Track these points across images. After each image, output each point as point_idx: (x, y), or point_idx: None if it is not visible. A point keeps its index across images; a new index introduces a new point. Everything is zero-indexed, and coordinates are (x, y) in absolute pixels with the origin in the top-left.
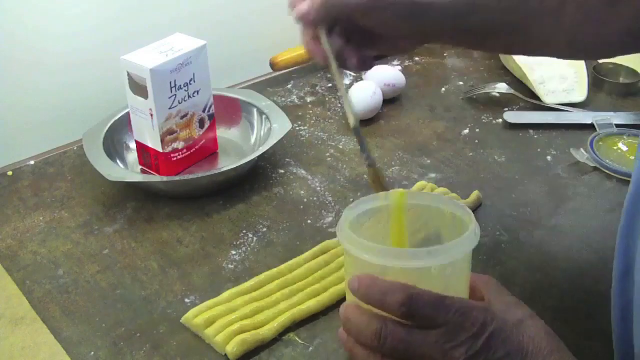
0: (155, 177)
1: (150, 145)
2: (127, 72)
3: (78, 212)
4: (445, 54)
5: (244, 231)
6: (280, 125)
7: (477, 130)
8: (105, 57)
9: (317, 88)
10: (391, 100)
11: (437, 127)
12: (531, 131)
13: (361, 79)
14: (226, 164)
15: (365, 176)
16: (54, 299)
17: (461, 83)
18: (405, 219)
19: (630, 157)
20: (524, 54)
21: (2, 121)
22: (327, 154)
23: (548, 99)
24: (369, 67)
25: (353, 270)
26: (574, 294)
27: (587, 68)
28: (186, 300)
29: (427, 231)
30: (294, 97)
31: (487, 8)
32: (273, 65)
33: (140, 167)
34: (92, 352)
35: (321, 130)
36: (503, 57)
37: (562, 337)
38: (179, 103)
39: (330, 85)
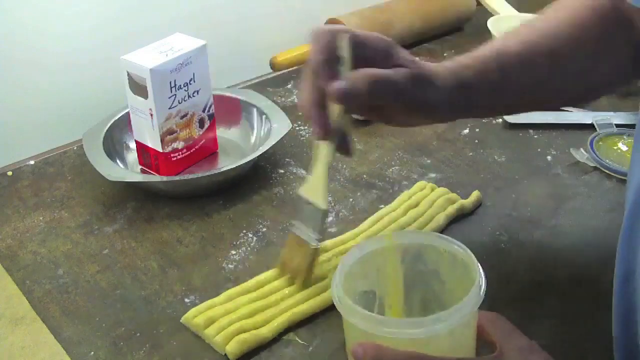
0: (155, 177)
1: (150, 145)
2: (127, 72)
3: (78, 212)
4: (445, 54)
5: (244, 231)
6: (280, 125)
7: (477, 130)
8: (105, 57)
9: None
10: None
11: (437, 127)
12: (531, 131)
13: None
14: (226, 164)
15: (365, 176)
16: (54, 299)
17: None
18: (398, 260)
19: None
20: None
21: (2, 121)
22: None
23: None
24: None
25: (353, 335)
26: (574, 294)
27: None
28: (186, 300)
29: (424, 268)
30: (294, 97)
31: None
32: (273, 65)
33: (140, 167)
34: (92, 352)
35: None
36: None
37: (562, 338)
38: (179, 103)
39: None
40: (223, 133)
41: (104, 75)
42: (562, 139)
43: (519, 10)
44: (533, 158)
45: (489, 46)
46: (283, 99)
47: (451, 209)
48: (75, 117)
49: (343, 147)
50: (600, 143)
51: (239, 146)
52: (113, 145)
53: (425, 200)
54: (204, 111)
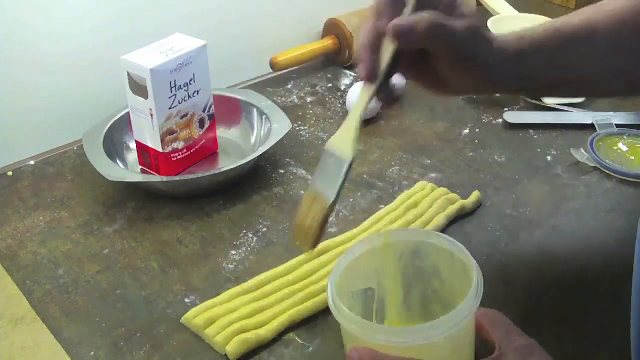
0: (155, 177)
1: (150, 145)
2: (127, 72)
3: (78, 212)
4: None
5: (244, 231)
6: (280, 125)
7: (477, 130)
8: (105, 57)
9: (317, 88)
10: None
11: (437, 127)
12: (531, 131)
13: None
14: (226, 164)
15: (365, 176)
16: (54, 299)
17: None
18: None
19: (630, 157)
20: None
21: (2, 121)
22: None
23: (548, 98)
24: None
25: (349, 339)
26: (574, 294)
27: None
28: (186, 300)
29: (423, 265)
30: (294, 97)
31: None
32: (273, 65)
33: (140, 167)
34: (92, 352)
35: (321, 130)
36: None
37: (562, 338)
38: (179, 103)
39: (330, 85)
40: (223, 133)
41: (104, 75)
42: (562, 139)
43: (519, 10)
44: (533, 158)
45: (549, 22)
46: (283, 99)
47: (451, 209)
48: (75, 117)
49: (386, 95)
50: (600, 143)
51: (239, 146)
52: (113, 145)
53: (425, 200)
54: (204, 111)
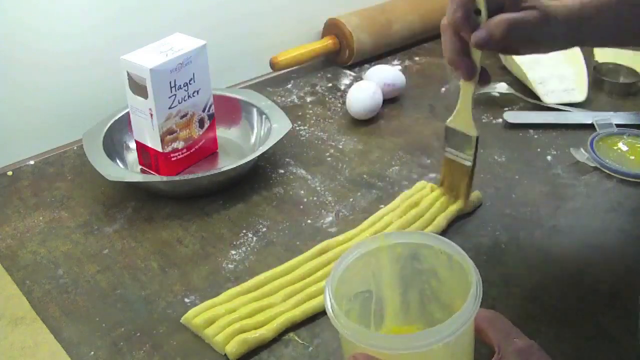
0: (155, 177)
1: (150, 145)
2: (127, 72)
3: (78, 212)
4: None
5: (244, 231)
6: (280, 125)
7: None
8: (105, 57)
9: (317, 88)
10: (391, 100)
11: (437, 127)
12: (531, 131)
13: (361, 79)
14: (226, 164)
15: (365, 176)
16: (54, 299)
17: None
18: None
19: (631, 157)
20: None
21: (2, 121)
22: (327, 154)
23: (548, 98)
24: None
25: (349, 348)
26: (574, 294)
27: (587, 68)
28: (186, 300)
29: (421, 267)
30: (294, 97)
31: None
32: (273, 65)
33: (140, 167)
34: (92, 352)
35: (321, 130)
36: (503, 57)
37: (562, 338)
38: (179, 103)
39: (330, 85)
40: (223, 133)
41: (104, 75)
42: (562, 139)
43: None
44: (533, 158)
45: None
46: (283, 99)
47: (451, 209)
48: (75, 117)
49: (484, 79)
50: (600, 143)
51: (239, 146)
52: (113, 145)
53: (425, 200)
54: (204, 111)
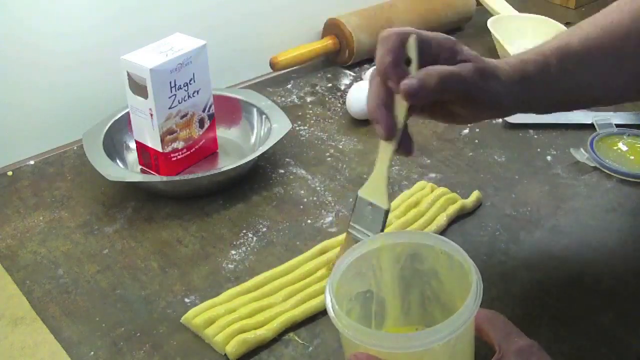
0: (155, 177)
1: (150, 145)
2: (127, 72)
3: (78, 212)
4: None
5: (244, 231)
6: (280, 125)
7: (477, 130)
8: (105, 57)
9: (317, 88)
10: None
11: (437, 127)
12: (531, 131)
13: (361, 79)
14: (226, 164)
15: (365, 176)
16: (54, 299)
17: None
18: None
19: (630, 157)
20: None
21: (2, 121)
22: (327, 154)
23: None
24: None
25: (350, 347)
26: (573, 293)
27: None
28: (186, 300)
29: (421, 267)
30: (294, 97)
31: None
32: (273, 65)
33: (140, 167)
34: (92, 352)
35: (321, 130)
36: (502, 56)
37: (562, 338)
38: (179, 103)
39: (330, 85)
40: (223, 133)
41: (104, 75)
42: (562, 139)
43: (519, 10)
44: (533, 158)
45: (550, 42)
46: (283, 99)
47: (452, 209)
48: (75, 117)
49: (405, 146)
50: (600, 143)
51: (239, 146)
52: (113, 145)
53: (426, 200)
54: (204, 111)
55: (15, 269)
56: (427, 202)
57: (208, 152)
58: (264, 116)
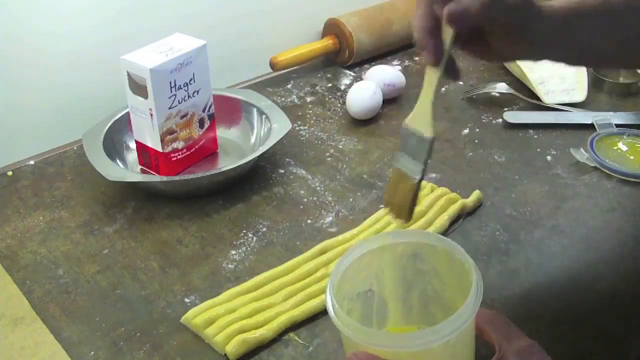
0: (155, 177)
1: (150, 145)
2: (127, 72)
3: (78, 212)
4: None
5: (244, 231)
6: (280, 125)
7: (477, 130)
8: (105, 57)
9: (317, 88)
10: (391, 100)
11: (437, 127)
12: (531, 131)
13: (361, 79)
14: (226, 164)
15: (365, 176)
16: (54, 299)
17: (461, 83)
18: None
19: (630, 157)
20: None
21: (2, 121)
22: (327, 154)
23: (548, 99)
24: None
25: (350, 346)
26: (574, 293)
27: (587, 68)
28: (186, 300)
29: (423, 267)
30: (294, 97)
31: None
32: (273, 65)
33: (140, 167)
34: (92, 352)
35: (321, 130)
36: None
37: (562, 338)
38: (179, 103)
39: (330, 85)
40: (223, 133)
41: (104, 75)
42: (562, 139)
43: None
44: (533, 158)
45: None
46: (283, 99)
47: (453, 209)
48: (75, 117)
49: (452, 72)
50: (600, 143)
51: (239, 146)
52: (113, 145)
53: (426, 200)
54: (204, 111)
55: (15, 269)
56: (427, 202)
57: (208, 152)
58: (264, 116)
